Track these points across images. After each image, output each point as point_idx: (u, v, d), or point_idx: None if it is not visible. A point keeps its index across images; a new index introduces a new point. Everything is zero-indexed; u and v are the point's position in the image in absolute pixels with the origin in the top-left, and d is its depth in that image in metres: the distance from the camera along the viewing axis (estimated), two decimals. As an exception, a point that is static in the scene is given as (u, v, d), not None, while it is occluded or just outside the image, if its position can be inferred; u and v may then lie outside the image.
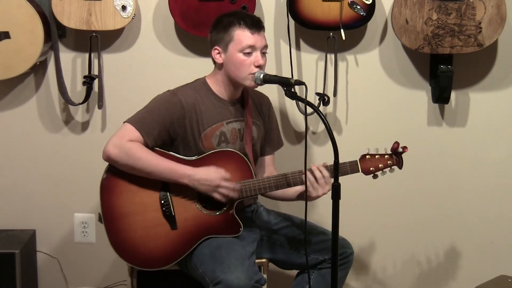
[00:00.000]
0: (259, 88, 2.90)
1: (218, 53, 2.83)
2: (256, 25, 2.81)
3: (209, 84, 2.89)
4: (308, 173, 2.75)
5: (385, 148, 2.86)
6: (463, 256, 3.60)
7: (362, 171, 2.83)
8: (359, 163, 2.83)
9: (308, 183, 2.75)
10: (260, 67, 2.79)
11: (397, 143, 2.84)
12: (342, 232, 2.52)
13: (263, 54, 2.82)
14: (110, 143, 2.74)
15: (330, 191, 2.49)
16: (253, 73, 2.78)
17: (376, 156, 2.84)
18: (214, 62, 2.88)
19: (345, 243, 2.94)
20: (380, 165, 2.84)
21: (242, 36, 2.77)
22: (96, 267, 3.59)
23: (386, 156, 2.85)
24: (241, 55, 2.78)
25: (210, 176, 2.74)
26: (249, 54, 2.78)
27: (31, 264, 3.50)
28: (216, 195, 2.76)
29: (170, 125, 2.80)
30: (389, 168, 2.85)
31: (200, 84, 2.90)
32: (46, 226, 3.54)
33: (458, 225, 3.58)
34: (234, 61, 2.80)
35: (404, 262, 3.62)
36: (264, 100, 3.06)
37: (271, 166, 3.09)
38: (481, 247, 3.59)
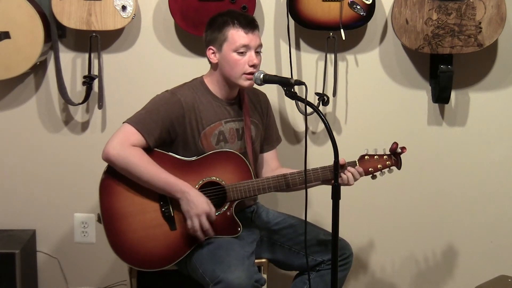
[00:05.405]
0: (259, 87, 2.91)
1: (213, 52, 2.84)
2: (250, 24, 2.81)
3: (206, 84, 2.89)
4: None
5: (384, 148, 2.87)
6: (463, 256, 3.60)
7: (360, 172, 2.84)
8: (358, 164, 2.84)
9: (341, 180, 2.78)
10: (254, 66, 2.79)
11: (395, 143, 2.84)
12: (341, 232, 2.52)
13: (257, 53, 2.82)
14: (111, 145, 2.73)
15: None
16: (247, 73, 2.79)
17: (375, 157, 2.85)
18: (210, 62, 2.88)
19: (344, 244, 2.94)
20: (378, 166, 2.85)
21: (236, 35, 2.78)
22: (96, 267, 3.58)
23: (384, 157, 2.86)
24: (235, 55, 2.78)
25: (198, 203, 2.72)
26: (243, 53, 2.78)
27: (31, 264, 3.50)
28: (189, 222, 2.74)
29: (170, 125, 2.80)
30: (387, 169, 2.87)
31: (198, 83, 2.90)
32: (46, 226, 3.54)
33: (457, 225, 3.58)
34: (228, 61, 2.80)
35: (403, 262, 3.62)
36: (261, 97, 3.06)
37: (274, 161, 3.08)
38: (481, 247, 3.59)
